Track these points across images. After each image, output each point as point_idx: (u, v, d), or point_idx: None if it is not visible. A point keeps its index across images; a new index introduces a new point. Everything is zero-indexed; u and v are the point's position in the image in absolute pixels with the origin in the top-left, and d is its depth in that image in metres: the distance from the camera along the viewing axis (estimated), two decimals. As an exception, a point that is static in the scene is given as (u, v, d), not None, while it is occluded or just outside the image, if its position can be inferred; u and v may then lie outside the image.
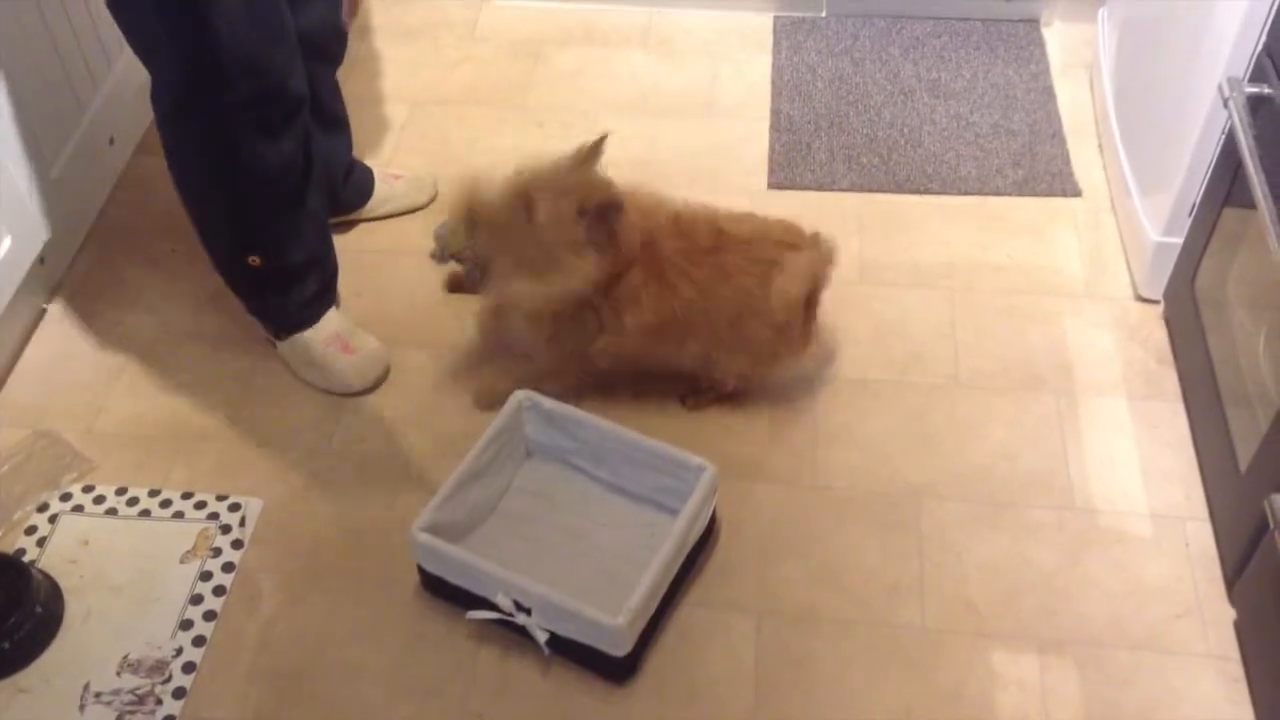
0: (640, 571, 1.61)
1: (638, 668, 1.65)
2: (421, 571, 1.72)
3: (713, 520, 1.77)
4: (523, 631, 1.63)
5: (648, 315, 1.80)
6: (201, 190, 1.87)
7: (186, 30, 1.65)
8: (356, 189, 2.28)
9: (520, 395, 1.83)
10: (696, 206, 1.85)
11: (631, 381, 1.97)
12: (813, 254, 1.83)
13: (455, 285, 2.19)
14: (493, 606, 1.63)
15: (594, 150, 1.76)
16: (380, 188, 2.31)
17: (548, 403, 1.82)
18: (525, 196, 1.71)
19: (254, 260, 1.92)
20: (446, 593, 1.70)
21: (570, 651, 1.64)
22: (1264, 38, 1.71)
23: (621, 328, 1.81)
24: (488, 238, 1.79)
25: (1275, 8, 1.69)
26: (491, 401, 1.91)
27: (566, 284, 1.74)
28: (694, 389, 1.97)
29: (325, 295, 2.04)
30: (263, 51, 1.71)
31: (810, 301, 1.85)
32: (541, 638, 1.61)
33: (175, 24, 1.64)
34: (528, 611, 1.62)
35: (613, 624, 1.55)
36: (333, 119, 2.17)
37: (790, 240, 1.84)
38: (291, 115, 1.81)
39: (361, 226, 2.31)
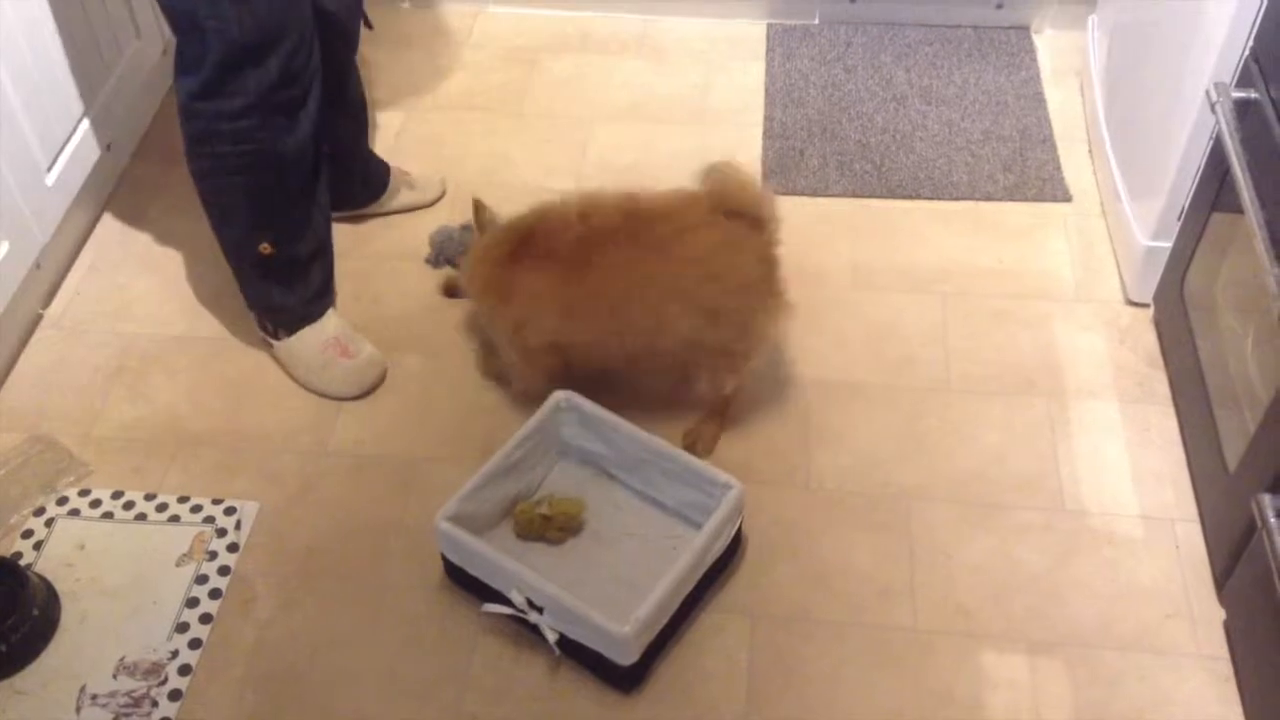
0: (656, 582, 1.61)
1: (645, 678, 1.65)
2: (445, 560, 1.74)
3: (738, 537, 1.77)
4: (536, 630, 1.64)
5: (551, 306, 1.81)
6: (221, 175, 1.89)
7: (230, 10, 1.69)
8: (373, 180, 2.31)
9: (559, 396, 1.84)
10: (612, 193, 1.84)
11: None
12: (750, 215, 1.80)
13: (451, 290, 2.20)
14: (509, 602, 1.64)
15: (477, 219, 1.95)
16: (391, 183, 2.33)
17: (586, 406, 1.82)
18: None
19: (265, 248, 1.94)
20: (466, 583, 1.72)
21: (579, 655, 1.65)
22: (1250, 43, 1.73)
23: (540, 327, 1.83)
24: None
25: (1261, 13, 1.70)
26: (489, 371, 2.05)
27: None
28: (695, 429, 1.94)
29: (327, 290, 2.07)
30: (291, 31, 1.75)
31: (771, 261, 1.82)
32: (552, 637, 1.62)
33: (220, 4, 1.68)
34: (540, 610, 1.63)
35: (618, 632, 1.56)
36: (356, 103, 2.22)
37: (727, 205, 1.79)
38: (305, 95, 1.85)
39: (359, 231, 2.32)
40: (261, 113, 1.79)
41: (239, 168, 1.85)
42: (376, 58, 2.73)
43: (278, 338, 2.05)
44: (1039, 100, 2.58)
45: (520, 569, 1.63)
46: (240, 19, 1.70)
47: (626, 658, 1.59)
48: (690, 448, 1.90)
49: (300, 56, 1.79)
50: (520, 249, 1.84)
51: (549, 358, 1.89)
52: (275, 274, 1.99)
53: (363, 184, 2.30)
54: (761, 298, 1.83)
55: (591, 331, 1.84)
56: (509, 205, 2.35)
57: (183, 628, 1.72)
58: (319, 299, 2.04)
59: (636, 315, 1.80)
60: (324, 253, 2.04)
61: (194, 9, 1.70)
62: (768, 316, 1.85)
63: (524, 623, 1.66)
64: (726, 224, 1.78)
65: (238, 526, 1.84)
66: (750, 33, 2.78)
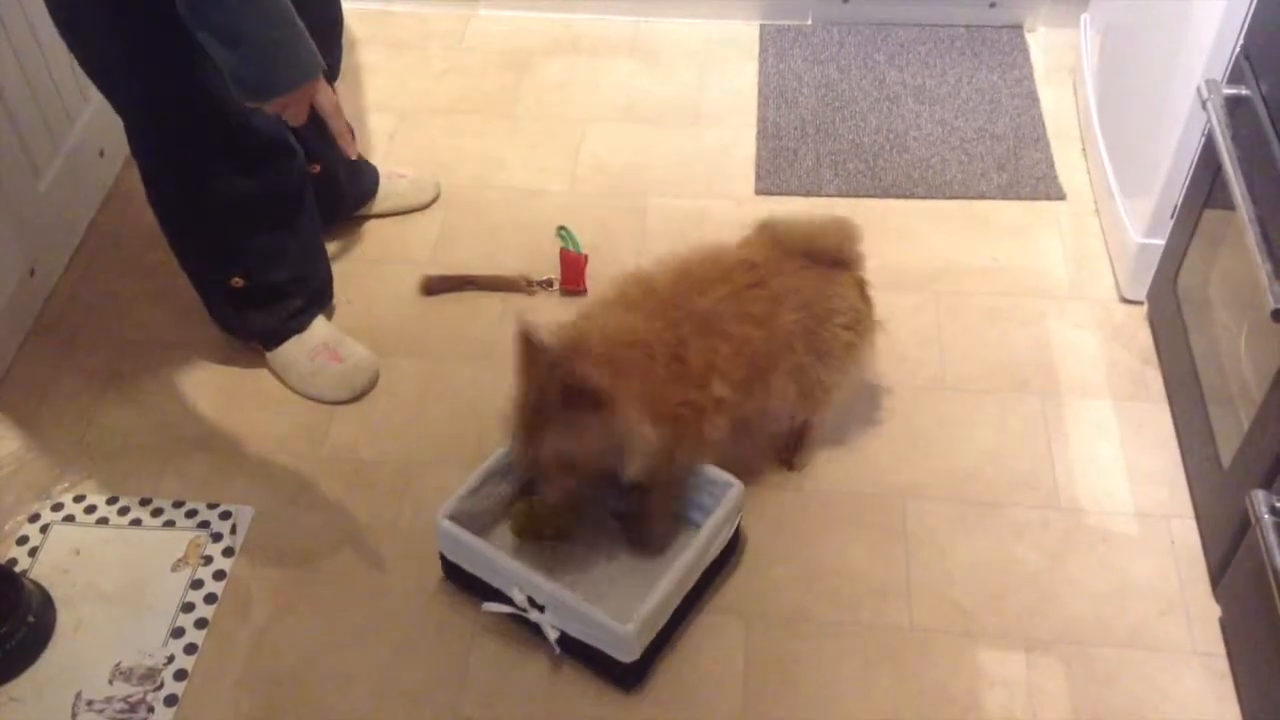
0: (657, 580, 1.61)
1: (646, 675, 1.65)
2: (443, 559, 1.73)
3: (737, 536, 1.77)
4: (536, 629, 1.64)
5: (735, 372, 1.65)
6: (179, 218, 1.88)
7: (154, 69, 1.65)
8: (360, 187, 2.30)
9: None
10: (701, 251, 1.72)
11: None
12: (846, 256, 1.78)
13: (428, 288, 2.20)
14: (509, 600, 1.64)
15: (526, 349, 1.55)
16: (383, 185, 2.33)
17: None
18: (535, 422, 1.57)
19: (237, 281, 1.93)
20: (465, 582, 1.72)
21: (580, 653, 1.65)
22: (1241, 40, 1.73)
23: (715, 398, 1.64)
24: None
25: (1252, 10, 1.71)
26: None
27: (635, 459, 1.57)
28: (788, 444, 1.91)
29: (312, 308, 2.06)
30: (189, 93, 1.70)
31: (868, 318, 1.81)
32: (553, 636, 1.63)
33: (141, 62, 1.65)
34: (541, 609, 1.63)
35: (621, 630, 1.56)
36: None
37: (819, 247, 1.76)
38: (266, 152, 1.81)
39: (352, 234, 2.32)
40: (207, 167, 1.77)
41: (194, 214, 1.84)
42: (369, 61, 2.73)
43: (267, 348, 2.05)
44: (1032, 99, 2.58)
45: (521, 567, 1.63)
46: (166, 79, 1.66)
47: (629, 655, 1.60)
48: (788, 464, 1.91)
49: (243, 116, 1.74)
50: (686, 327, 1.62)
51: (718, 434, 1.69)
52: (252, 302, 1.98)
53: (351, 192, 2.29)
54: (865, 329, 1.81)
55: (755, 396, 1.72)
56: (501, 210, 2.37)
57: (178, 633, 1.72)
58: (301, 315, 2.03)
59: (781, 369, 1.72)
60: (305, 278, 2.02)
61: (113, 68, 1.67)
62: (869, 347, 1.83)
63: (523, 622, 1.66)
64: (815, 265, 1.74)
65: (233, 531, 1.84)
66: (743, 33, 2.79)
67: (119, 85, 1.70)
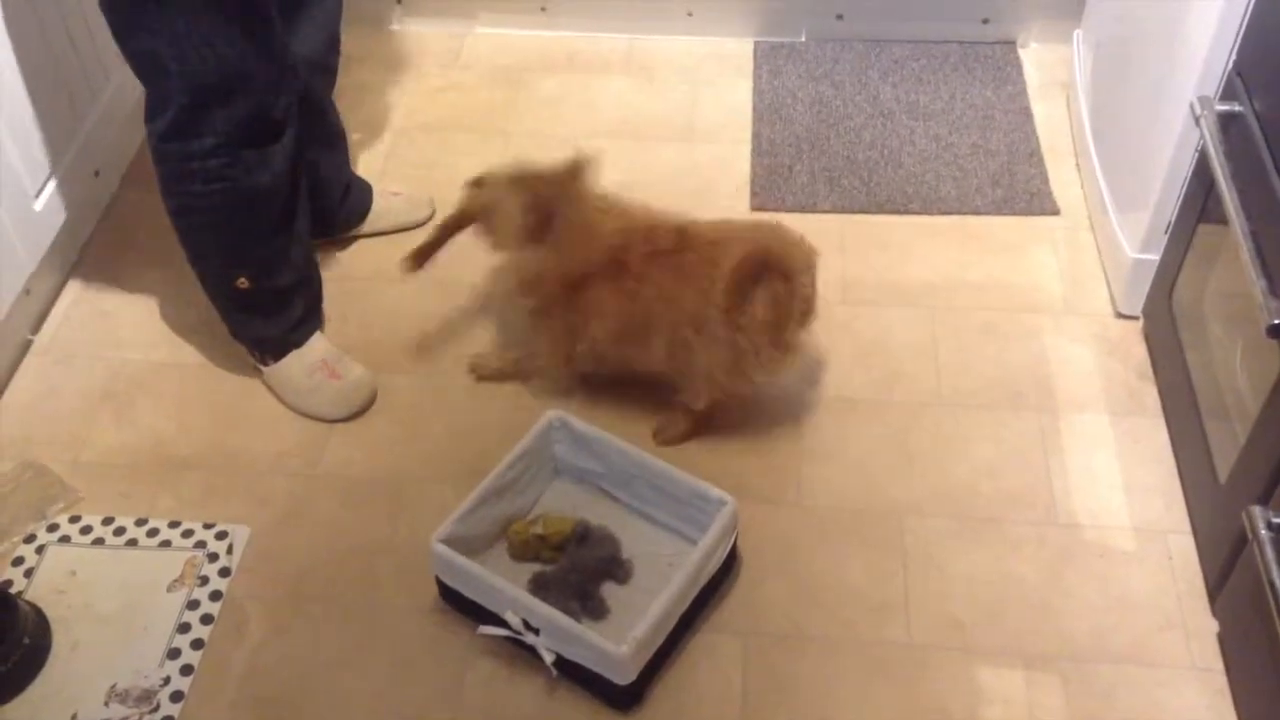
0: (652, 601, 1.61)
1: (643, 696, 1.65)
2: (439, 583, 1.73)
3: (733, 554, 1.76)
4: (532, 651, 1.64)
5: (610, 321, 1.87)
6: (194, 213, 1.88)
7: (192, 51, 1.68)
8: (355, 204, 2.31)
9: (551, 415, 1.84)
10: (676, 215, 1.89)
11: (615, 386, 2.02)
12: (764, 243, 1.81)
13: (416, 261, 2.14)
14: (504, 623, 1.64)
15: (574, 167, 1.93)
16: (377, 203, 2.33)
17: (577, 424, 1.83)
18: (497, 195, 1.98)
19: (243, 283, 1.93)
20: (462, 606, 1.71)
21: (576, 675, 1.64)
22: (1234, 56, 1.74)
23: (590, 334, 1.90)
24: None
25: (1244, 26, 1.71)
26: (483, 373, 2.09)
27: (518, 271, 1.96)
28: (665, 421, 1.96)
29: (311, 317, 2.06)
30: (260, 71, 1.75)
31: (784, 311, 1.79)
32: (549, 658, 1.62)
33: (182, 45, 1.67)
34: (536, 631, 1.62)
35: (616, 652, 1.55)
36: (334, 134, 2.22)
37: (759, 240, 1.82)
38: (278, 133, 1.83)
39: (348, 253, 2.32)
40: (231, 151, 1.78)
41: (211, 206, 1.85)
42: (365, 79, 2.73)
43: (265, 364, 2.05)
44: (1026, 114, 2.59)
45: (515, 590, 1.63)
46: (204, 60, 1.69)
47: (624, 677, 1.59)
48: (654, 434, 1.97)
49: (270, 95, 1.78)
50: (603, 264, 1.87)
51: (586, 365, 1.99)
52: (255, 306, 1.99)
53: (346, 209, 2.30)
54: (762, 342, 1.80)
55: (631, 348, 1.91)
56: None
57: (174, 653, 1.71)
58: (302, 326, 2.04)
59: (659, 334, 1.86)
60: (305, 283, 2.04)
61: (157, 52, 1.69)
62: (760, 361, 1.83)
63: (520, 644, 1.65)
64: (756, 265, 1.79)
65: (229, 550, 1.84)
66: (737, 50, 2.79)
67: (165, 69, 1.70)
